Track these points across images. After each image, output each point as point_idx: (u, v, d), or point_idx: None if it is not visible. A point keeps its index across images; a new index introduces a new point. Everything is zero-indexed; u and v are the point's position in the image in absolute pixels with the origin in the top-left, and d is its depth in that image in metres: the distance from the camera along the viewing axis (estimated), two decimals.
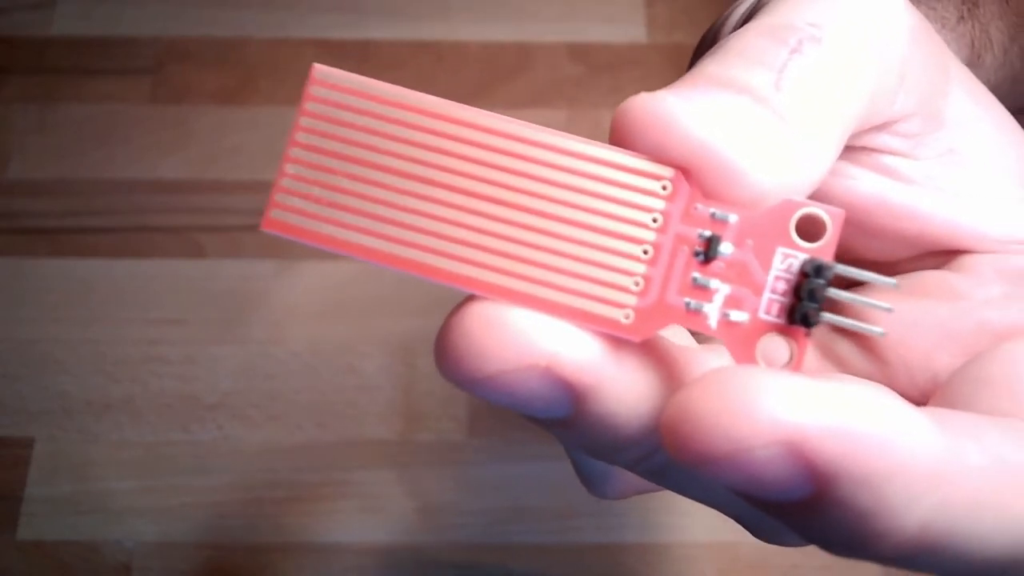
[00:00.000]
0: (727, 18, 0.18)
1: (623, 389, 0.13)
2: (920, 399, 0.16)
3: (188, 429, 0.31)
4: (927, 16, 0.22)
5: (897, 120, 0.15)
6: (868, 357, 0.15)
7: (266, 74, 0.37)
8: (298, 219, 0.13)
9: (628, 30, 0.39)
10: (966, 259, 0.16)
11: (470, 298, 0.13)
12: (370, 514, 0.30)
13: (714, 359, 0.14)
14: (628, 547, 0.29)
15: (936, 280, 0.16)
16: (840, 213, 0.13)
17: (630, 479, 0.17)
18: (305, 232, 0.13)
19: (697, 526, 0.30)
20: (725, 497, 0.15)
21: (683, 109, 0.12)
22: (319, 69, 0.13)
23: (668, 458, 0.12)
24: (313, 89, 0.13)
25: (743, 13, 0.17)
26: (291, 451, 0.31)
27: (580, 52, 0.38)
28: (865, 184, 0.16)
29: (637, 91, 0.34)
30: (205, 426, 0.31)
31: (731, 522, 0.15)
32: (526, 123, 0.13)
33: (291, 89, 0.37)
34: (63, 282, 0.33)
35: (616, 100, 0.41)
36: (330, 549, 0.29)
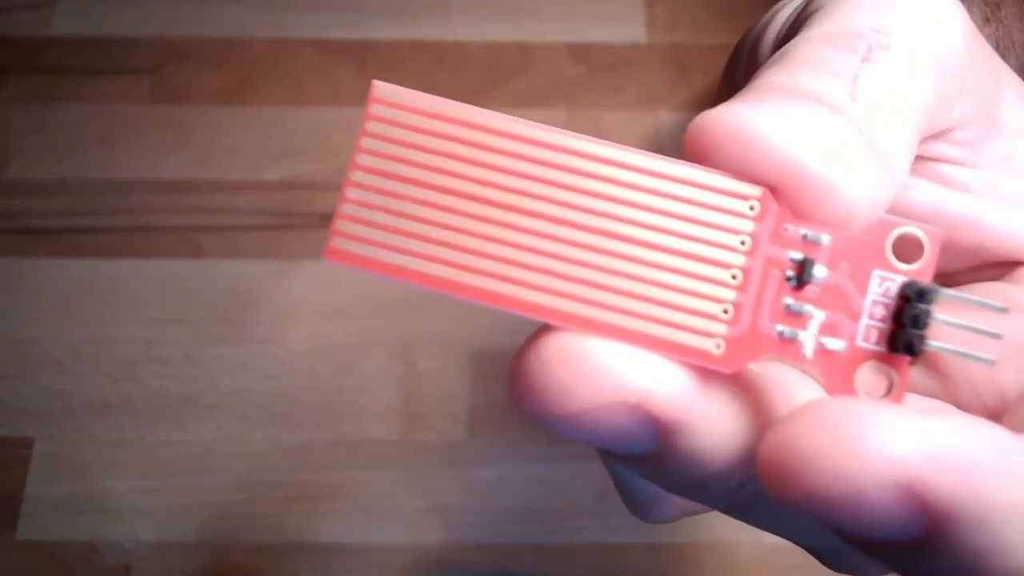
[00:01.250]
0: (768, 24, 0.17)
1: (713, 423, 0.12)
2: (986, 415, 0.15)
3: (188, 429, 0.31)
4: None
5: (955, 127, 0.15)
6: (930, 373, 0.14)
7: (265, 74, 0.37)
8: (362, 247, 0.12)
9: (628, 30, 0.39)
10: None
11: (546, 328, 0.12)
12: (370, 514, 0.30)
13: (804, 385, 0.13)
14: (629, 547, 0.29)
15: (997, 293, 0.15)
16: (938, 232, 0.12)
17: (678, 503, 0.16)
18: (370, 262, 0.12)
19: (697, 526, 0.30)
20: (810, 531, 0.14)
21: (767, 124, 0.12)
22: (379, 87, 0.12)
23: (756, 493, 0.11)
24: (374, 108, 0.12)
25: (788, 18, 0.16)
26: (291, 451, 0.31)
27: (580, 52, 0.38)
28: (922, 194, 0.15)
29: (637, 91, 0.35)
30: (205, 426, 0.31)
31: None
32: (606, 142, 0.12)
33: (290, 89, 0.37)
34: (63, 282, 0.33)
35: (616, 100, 0.41)
36: (330, 549, 0.29)
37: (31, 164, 0.35)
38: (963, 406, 0.15)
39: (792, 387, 0.13)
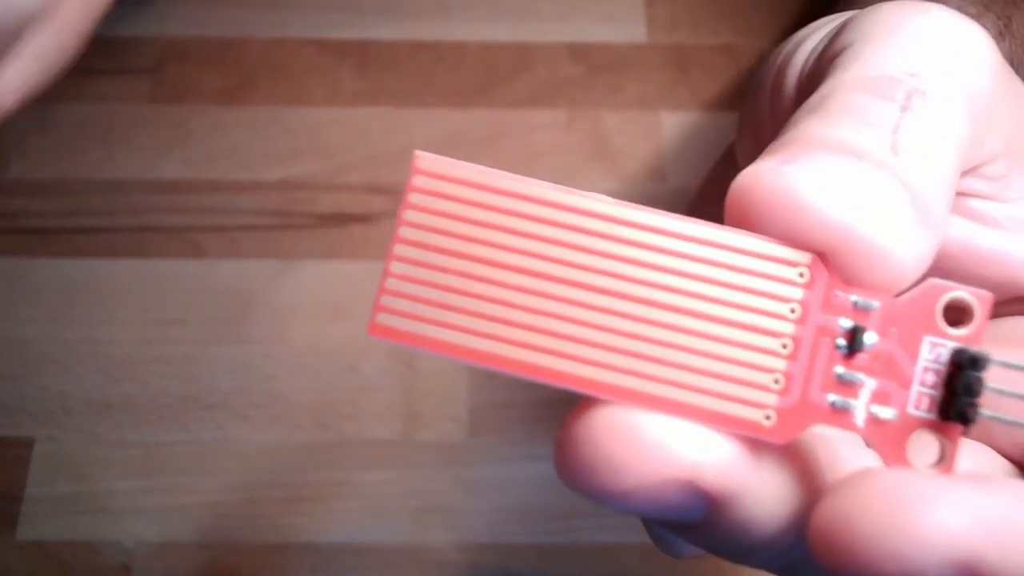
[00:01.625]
0: (792, 55, 0.16)
1: (763, 494, 0.12)
2: (1020, 456, 0.15)
3: (188, 429, 0.31)
4: None
5: (985, 163, 0.15)
6: (1000, 413, 0.15)
7: (266, 74, 0.37)
8: (407, 323, 0.12)
9: (628, 30, 0.39)
10: None
11: (593, 401, 0.12)
12: (370, 514, 0.30)
13: (851, 448, 0.13)
14: (628, 547, 0.29)
15: None
16: (988, 296, 0.12)
17: None
18: (415, 338, 0.12)
19: None
20: None
21: (813, 187, 0.11)
22: (422, 158, 0.12)
23: (802, 557, 0.11)
24: (417, 180, 0.12)
25: (813, 51, 0.15)
26: (291, 451, 0.31)
27: (580, 52, 0.38)
28: (951, 229, 0.15)
29: (637, 91, 0.35)
30: (205, 426, 0.31)
31: None
32: (646, 208, 0.12)
33: (290, 89, 0.37)
34: (62, 282, 0.33)
35: (616, 100, 0.41)
36: (330, 549, 0.29)
37: (30, 164, 0.35)
38: (996, 446, 0.15)
39: (840, 448, 0.13)
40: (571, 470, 0.11)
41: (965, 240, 0.15)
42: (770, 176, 0.12)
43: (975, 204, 0.15)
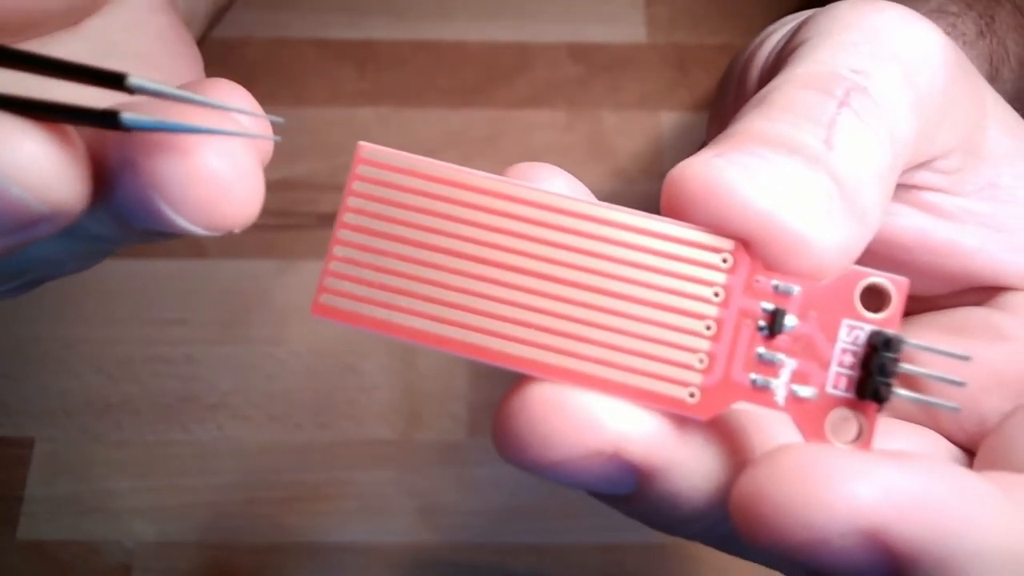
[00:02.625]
0: (757, 49, 0.17)
1: (690, 468, 0.12)
2: (966, 442, 0.15)
3: (188, 429, 0.31)
4: (949, 34, 0.22)
5: (938, 157, 0.15)
6: (913, 392, 0.15)
7: (266, 74, 0.37)
8: (349, 303, 0.12)
9: (628, 30, 0.39)
10: (1010, 297, 0.16)
11: (527, 378, 0.12)
12: (370, 514, 0.30)
13: (781, 428, 0.13)
14: (628, 547, 0.29)
15: (980, 319, 0.16)
16: (904, 282, 0.12)
17: None
18: (356, 317, 0.12)
19: None
20: (792, 568, 0.15)
21: (740, 178, 0.12)
22: (366, 148, 0.13)
23: (732, 530, 0.12)
24: (360, 168, 0.13)
25: (775, 46, 0.16)
26: (291, 451, 0.31)
27: (580, 52, 0.38)
28: (905, 220, 0.16)
29: (637, 91, 0.35)
30: (205, 426, 0.31)
31: None
32: (579, 198, 0.12)
33: (291, 89, 0.37)
34: (63, 282, 0.33)
35: (616, 100, 0.41)
36: (330, 549, 0.29)
37: None
38: (944, 431, 0.16)
39: (770, 427, 0.14)
40: (506, 442, 0.12)
41: (919, 232, 0.16)
42: (700, 168, 0.12)
43: (929, 197, 0.16)
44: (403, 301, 0.12)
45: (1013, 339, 0.15)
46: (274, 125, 0.13)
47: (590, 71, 0.38)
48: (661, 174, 0.35)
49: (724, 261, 0.12)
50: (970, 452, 0.15)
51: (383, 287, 0.12)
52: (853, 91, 0.13)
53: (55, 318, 0.33)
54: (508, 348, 0.12)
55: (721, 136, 0.13)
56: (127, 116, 0.11)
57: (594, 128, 0.36)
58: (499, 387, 0.32)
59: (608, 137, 0.36)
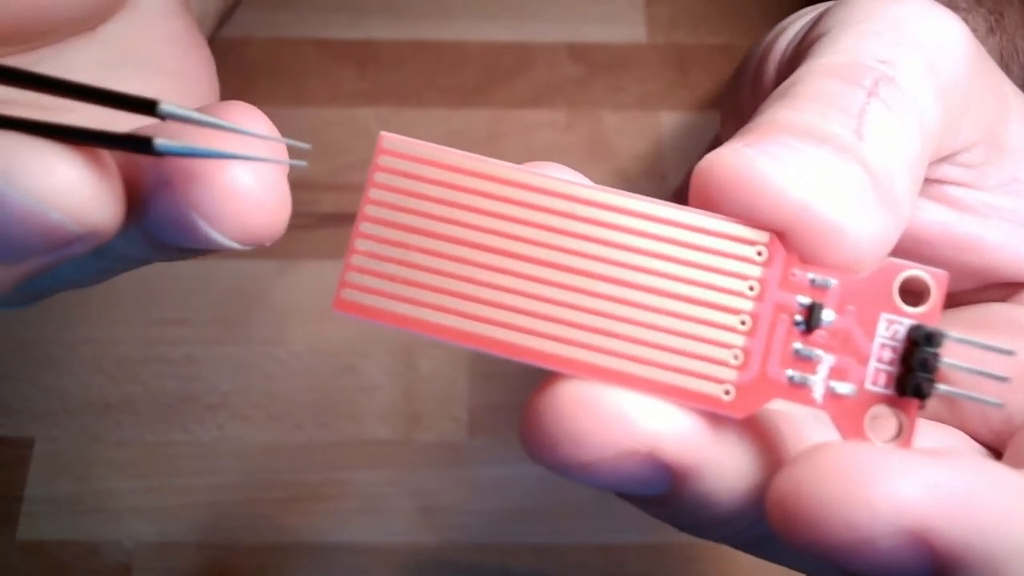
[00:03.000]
0: (773, 42, 0.17)
1: (724, 468, 0.12)
2: (993, 440, 0.15)
3: (188, 429, 0.31)
4: None
5: (961, 150, 0.15)
6: (938, 397, 0.15)
7: (266, 74, 0.37)
8: (372, 299, 0.12)
9: (628, 30, 0.39)
10: None
11: (557, 376, 0.12)
12: (370, 514, 0.30)
13: (815, 426, 0.13)
14: (628, 547, 0.29)
15: (1004, 315, 0.15)
16: (944, 275, 0.12)
17: None
18: (380, 312, 0.12)
19: None
20: (821, 568, 0.14)
21: (773, 168, 0.12)
22: (388, 138, 0.12)
23: (766, 531, 0.11)
24: (382, 159, 0.12)
25: (793, 38, 0.16)
26: (291, 451, 0.31)
27: (580, 52, 0.38)
28: (928, 215, 0.15)
29: (637, 91, 0.35)
30: (205, 426, 0.31)
31: None
32: (610, 189, 0.12)
33: (291, 89, 0.37)
34: None
35: (616, 100, 0.41)
36: (330, 549, 0.29)
37: None
38: (970, 431, 0.15)
39: (804, 425, 0.13)
40: (536, 442, 0.12)
41: (942, 226, 0.15)
42: (731, 158, 0.12)
43: (952, 191, 0.15)
44: (428, 296, 0.12)
45: None
46: (300, 150, 0.13)
47: (590, 71, 0.38)
48: (662, 174, 0.35)
49: (759, 254, 0.12)
50: (995, 451, 0.15)
51: (407, 282, 0.12)
52: (881, 80, 0.13)
53: (55, 319, 0.33)
54: (536, 344, 0.12)
55: (747, 127, 0.13)
56: (160, 143, 0.11)
57: (594, 128, 0.36)
58: (499, 388, 0.32)
59: (608, 137, 0.36)
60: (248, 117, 0.13)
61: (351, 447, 0.31)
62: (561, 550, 0.29)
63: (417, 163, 0.12)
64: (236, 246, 0.13)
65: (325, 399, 0.31)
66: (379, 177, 0.12)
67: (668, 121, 0.37)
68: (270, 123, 0.13)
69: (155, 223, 0.13)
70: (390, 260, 0.12)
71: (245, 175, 0.12)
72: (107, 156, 0.12)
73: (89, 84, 0.11)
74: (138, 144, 0.11)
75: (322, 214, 0.35)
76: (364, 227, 0.12)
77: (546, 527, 0.30)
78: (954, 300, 0.16)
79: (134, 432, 0.31)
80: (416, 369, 0.32)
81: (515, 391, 0.32)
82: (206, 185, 0.12)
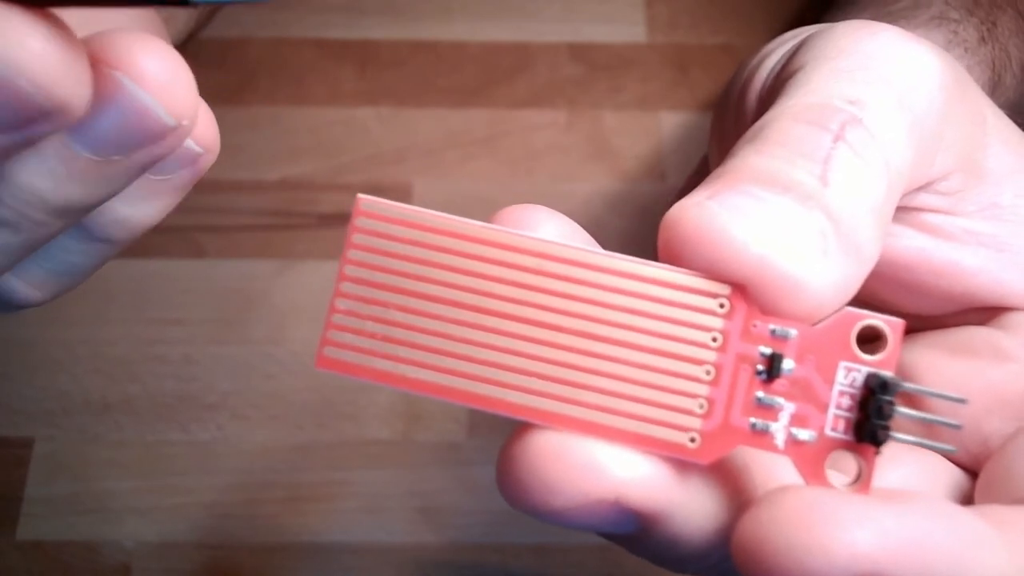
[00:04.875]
0: (756, 69, 0.17)
1: (691, 511, 0.12)
2: (970, 463, 0.15)
3: (188, 429, 0.31)
4: (951, 41, 0.22)
5: (937, 179, 0.15)
6: (911, 436, 0.15)
7: (266, 74, 0.37)
8: (352, 356, 0.12)
9: (628, 30, 0.39)
10: (1012, 317, 0.16)
11: (528, 426, 0.12)
12: (370, 514, 0.30)
13: (779, 464, 0.13)
14: None
15: (983, 339, 0.16)
16: (900, 323, 0.12)
17: None
18: (360, 369, 0.12)
19: None
20: None
21: (733, 222, 0.12)
22: (364, 200, 0.13)
23: (735, 568, 0.12)
24: (359, 221, 0.13)
25: (773, 68, 0.16)
26: (291, 451, 0.31)
27: (580, 52, 0.38)
28: (907, 242, 0.15)
29: (637, 91, 0.35)
30: (205, 426, 0.31)
31: None
32: (576, 246, 0.13)
33: (291, 89, 0.37)
34: None
35: (616, 100, 0.41)
36: (330, 549, 0.29)
37: None
38: (947, 454, 0.15)
39: (772, 464, 0.14)
40: (510, 489, 0.12)
41: (921, 252, 0.16)
42: (694, 211, 0.12)
43: (930, 218, 0.15)
44: (404, 352, 0.12)
45: (1015, 359, 0.15)
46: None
47: (590, 71, 0.38)
48: (662, 174, 0.35)
49: (721, 306, 0.12)
50: (972, 473, 0.15)
51: (385, 338, 0.12)
52: (848, 124, 0.13)
53: (54, 319, 0.32)
54: (509, 396, 0.12)
55: (715, 174, 0.13)
56: None
57: (594, 128, 0.36)
58: None
59: (608, 137, 0.36)
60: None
61: (351, 447, 0.31)
62: (561, 550, 0.29)
63: (393, 224, 0.13)
64: (167, 118, 0.14)
65: (325, 399, 0.31)
66: (357, 239, 0.13)
67: (668, 121, 0.37)
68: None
69: (111, 116, 0.14)
70: (369, 318, 0.12)
71: (157, 58, 0.14)
72: (75, 37, 0.12)
73: None
74: None
75: (322, 214, 0.35)
76: (344, 287, 0.13)
77: (546, 527, 0.30)
78: (934, 323, 0.17)
79: (133, 432, 0.31)
80: None
81: None
82: (146, 58, 0.13)
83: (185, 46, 0.31)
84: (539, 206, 0.13)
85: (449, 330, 0.12)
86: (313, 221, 0.35)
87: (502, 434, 0.33)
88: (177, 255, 0.34)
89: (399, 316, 0.12)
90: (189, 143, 0.16)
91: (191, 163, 0.17)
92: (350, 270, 0.13)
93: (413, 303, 0.12)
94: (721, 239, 0.12)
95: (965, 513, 0.11)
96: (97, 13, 0.14)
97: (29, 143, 0.13)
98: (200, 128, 0.16)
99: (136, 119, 0.14)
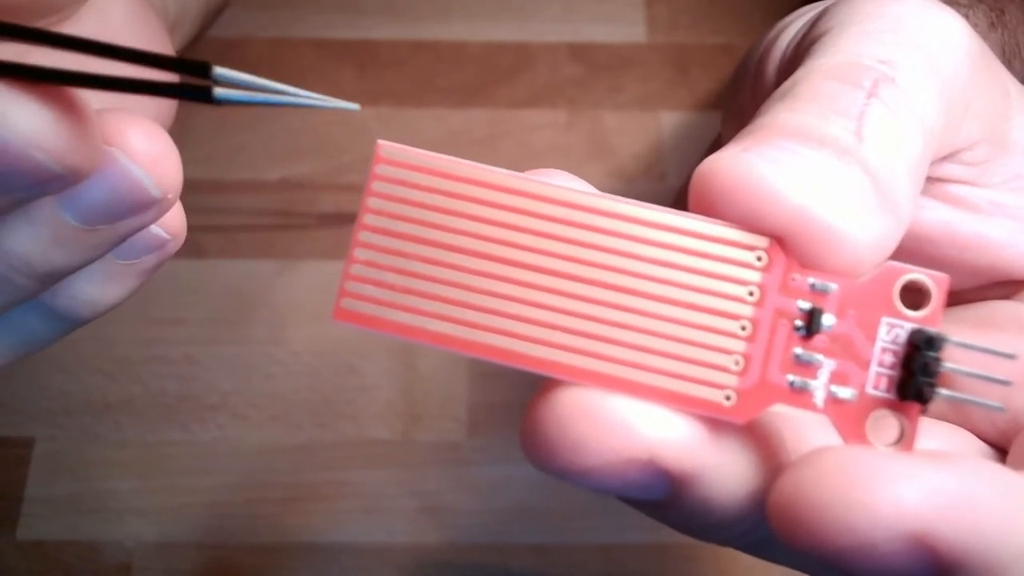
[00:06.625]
0: (774, 41, 0.16)
1: (724, 473, 0.12)
2: (998, 439, 0.15)
3: (188, 429, 0.31)
4: None
5: (963, 148, 0.15)
6: (956, 392, 0.15)
7: (266, 74, 0.37)
8: (371, 307, 0.12)
9: (628, 30, 0.39)
10: None
11: (555, 382, 0.12)
12: (370, 514, 0.30)
13: (816, 428, 0.13)
14: (628, 547, 0.29)
15: (1007, 314, 0.15)
16: (945, 278, 0.12)
17: None
18: (379, 321, 0.12)
19: None
20: (826, 573, 0.15)
21: (771, 173, 0.12)
22: (385, 146, 0.12)
23: (768, 534, 0.11)
24: (379, 168, 0.12)
25: (794, 37, 0.16)
26: (291, 451, 0.31)
27: (580, 52, 0.38)
28: (931, 213, 0.15)
29: (637, 91, 0.35)
30: (205, 426, 0.31)
31: None
32: (607, 195, 0.12)
33: None
34: None
35: (616, 100, 0.41)
36: (330, 549, 0.29)
37: None
38: (975, 429, 0.15)
39: (805, 428, 0.13)
40: (536, 449, 0.12)
41: (945, 225, 0.15)
42: (730, 162, 0.12)
43: (955, 189, 0.15)
44: (426, 304, 0.12)
45: None
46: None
47: (590, 71, 0.38)
48: (661, 174, 0.35)
49: (759, 259, 0.12)
50: (1001, 449, 0.15)
51: (405, 290, 0.12)
52: (881, 81, 0.13)
53: None
54: (536, 351, 0.12)
55: (746, 130, 0.13)
56: (220, 92, 0.12)
57: (594, 128, 0.36)
58: (499, 388, 0.32)
59: (608, 137, 0.36)
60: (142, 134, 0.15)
61: (351, 447, 0.31)
62: (561, 550, 0.29)
63: (414, 171, 0.12)
64: (154, 190, 0.15)
65: (325, 399, 0.31)
66: (377, 186, 0.12)
67: (668, 121, 0.37)
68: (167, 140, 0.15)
69: (97, 180, 0.14)
70: (389, 269, 0.12)
71: (152, 132, 0.15)
72: (88, 108, 0.13)
73: (143, 49, 0.12)
74: (197, 94, 0.12)
75: (322, 214, 0.35)
76: (362, 236, 0.12)
77: (546, 527, 0.30)
78: (957, 298, 0.16)
79: (134, 432, 0.31)
80: (416, 369, 0.32)
81: (515, 390, 0.32)
82: (137, 136, 0.14)
83: (188, 47, 0.31)
84: (561, 171, 0.13)
85: (473, 282, 0.12)
86: (313, 221, 0.35)
87: (502, 434, 0.33)
88: (177, 255, 0.34)
89: (420, 267, 0.12)
90: (157, 229, 0.17)
91: (158, 248, 0.18)
92: (369, 219, 0.12)
93: (435, 254, 0.12)
94: (759, 189, 0.11)
95: (1012, 473, 0.11)
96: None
97: (21, 204, 0.14)
98: (168, 215, 0.17)
99: (125, 190, 0.14)
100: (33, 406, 0.31)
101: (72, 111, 0.12)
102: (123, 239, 0.16)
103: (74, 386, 0.32)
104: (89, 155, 0.13)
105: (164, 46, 0.21)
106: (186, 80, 0.12)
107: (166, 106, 0.21)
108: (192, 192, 0.35)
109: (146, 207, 0.15)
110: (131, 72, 0.12)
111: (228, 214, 0.35)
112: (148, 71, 0.12)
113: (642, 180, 0.35)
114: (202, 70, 0.12)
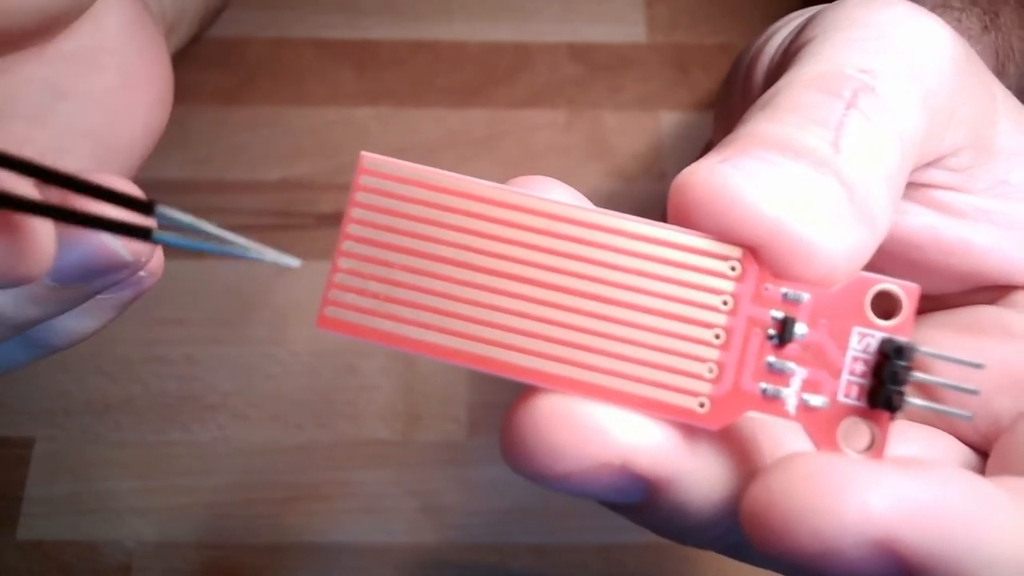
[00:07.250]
0: (763, 46, 0.17)
1: (698, 478, 0.12)
2: (980, 442, 0.15)
3: (188, 429, 0.31)
4: (954, 29, 0.22)
5: (947, 154, 0.15)
6: (926, 401, 0.15)
7: (266, 74, 0.37)
8: (354, 316, 0.12)
9: (628, 30, 0.39)
10: (1021, 295, 0.16)
11: (534, 389, 0.12)
12: (370, 514, 0.30)
13: (791, 433, 0.13)
14: (628, 547, 0.29)
15: (992, 318, 0.15)
16: (915, 288, 0.12)
17: None
18: (362, 330, 0.12)
19: None
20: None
21: (746, 185, 0.12)
22: (368, 158, 0.12)
23: (743, 538, 0.12)
24: (363, 179, 0.12)
25: (781, 44, 0.16)
26: (291, 451, 0.31)
27: (580, 52, 0.38)
28: (916, 219, 0.15)
29: (637, 91, 0.35)
30: (205, 426, 0.31)
31: None
32: (585, 206, 0.12)
33: (291, 89, 0.37)
34: None
35: (616, 100, 0.41)
36: (330, 549, 0.29)
37: None
38: (956, 433, 0.15)
39: (780, 432, 0.13)
40: (513, 454, 0.12)
41: (930, 230, 0.15)
42: (706, 174, 0.12)
43: (940, 195, 0.15)
44: (408, 313, 0.12)
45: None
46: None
47: (590, 71, 0.38)
48: (661, 174, 0.35)
49: (732, 269, 0.12)
50: (983, 453, 0.15)
51: (388, 299, 0.12)
52: (861, 91, 0.13)
53: None
54: (514, 359, 0.12)
55: (726, 140, 0.13)
56: (159, 235, 0.13)
57: (594, 128, 0.36)
58: (498, 388, 0.32)
59: (608, 137, 0.36)
60: (120, 186, 0.15)
61: (351, 447, 0.31)
62: (561, 550, 0.29)
63: (398, 183, 0.12)
64: (129, 257, 0.16)
65: (325, 399, 0.32)
66: (360, 196, 0.12)
67: (668, 121, 0.37)
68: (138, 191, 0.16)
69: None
70: (372, 278, 0.12)
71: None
72: (28, 224, 0.14)
73: (95, 181, 0.13)
74: (140, 233, 0.13)
75: (322, 214, 0.35)
76: (346, 245, 0.12)
77: (546, 527, 0.30)
78: (942, 303, 0.16)
79: (134, 432, 0.31)
80: (415, 369, 0.32)
81: (515, 391, 0.31)
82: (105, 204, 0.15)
83: (187, 48, 0.31)
84: (547, 177, 0.13)
85: (454, 291, 0.12)
86: (313, 221, 0.35)
87: None
88: (177, 255, 0.34)
89: (403, 276, 0.12)
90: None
91: (135, 284, 0.19)
92: (353, 228, 0.12)
93: (418, 263, 0.12)
94: (734, 200, 0.12)
95: (982, 481, 0.11)
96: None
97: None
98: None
99: (98, 257, 0.15)
100: (33, 406, 0.31)
101: (8, 232, 0.13)
102: (98, 292, 0.17)
103: (74, 386, 0.32)
104: (32, 267, 0.14)
105: (160, 50, 0.21)
106: (131, 215, 0.13)
107: (158, 110, 0.21)
108: (192, 192, 0.35)
109: (118, 270, 0.16)
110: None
111: (228, 214, 0.35)
112: (92, 202, 0.13)
113: (642, 180, 0.35)
114: (146, 208, 0.12)
